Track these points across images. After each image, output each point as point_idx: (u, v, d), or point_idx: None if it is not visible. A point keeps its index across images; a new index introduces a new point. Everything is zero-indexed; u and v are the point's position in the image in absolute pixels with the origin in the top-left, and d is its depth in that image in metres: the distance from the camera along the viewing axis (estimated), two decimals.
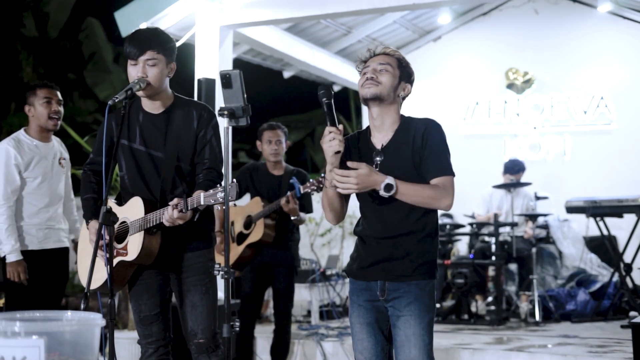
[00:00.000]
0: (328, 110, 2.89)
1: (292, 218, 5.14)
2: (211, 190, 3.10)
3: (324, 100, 2.89)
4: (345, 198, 3.03)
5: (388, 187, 2.82)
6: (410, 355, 2.89)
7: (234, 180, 3.12)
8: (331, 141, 2.84)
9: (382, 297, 2.96)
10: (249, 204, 5.34)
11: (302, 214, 5.24)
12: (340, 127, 2.87)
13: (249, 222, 5.27)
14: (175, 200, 3.17)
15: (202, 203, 3.11)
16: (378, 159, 2.97)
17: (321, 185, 4.91)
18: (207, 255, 3.44)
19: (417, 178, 2.92)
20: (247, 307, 5.33)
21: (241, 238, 5.29)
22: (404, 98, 3.04)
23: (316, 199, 10.09)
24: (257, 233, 5.20)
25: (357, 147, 3.05)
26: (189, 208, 3.14)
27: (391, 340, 3.02)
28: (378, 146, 3.00)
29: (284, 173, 5.36)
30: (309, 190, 5.01)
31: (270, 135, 5.34)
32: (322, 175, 4.97)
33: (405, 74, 3.02)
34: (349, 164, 2.87)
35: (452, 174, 2.95)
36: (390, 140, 2.98)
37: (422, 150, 2.92)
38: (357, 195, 3.01)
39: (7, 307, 4.49)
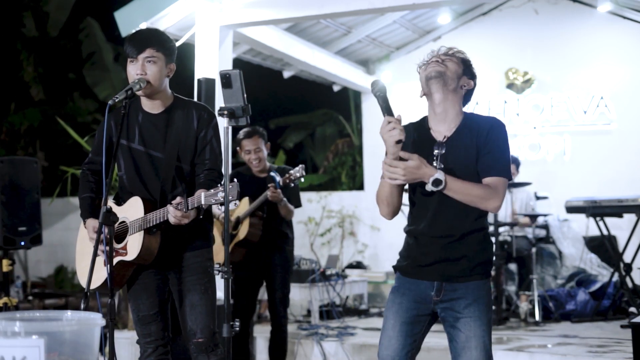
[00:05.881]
0: (383, 102, 2.84)
1: (280, 206, 5.04)
2: (212, 190, 3.11)
3: (378, 94, 2.85)
4: (399, 192, 2.96)
5: (436, 182, 2.77)
6: (471, 357, 2.88)
7: (235, 179, 3.12)
8: (391, 131, 2.77)
9: (437, 297, 2.94)
10: (238, 206, 5.26)
11: (289, 205, 5.13)
12: (399, 115, 2.81)
13: (236, 223, 5.22)
14: (178, 199, 3.17)
15: (202, 203, 3.12)
16: (437, 151, 2.94)
17: (292, 177, 4.85)
18: (205, 254, 3.45)
19: (476, 174, 2.90)
20: (241, 309, 5.28)
21: (230, 239, 5.25)
22: (465, 96, 3.04)
23: (318, 201, 10.11)
24: (242, 231, 5.15)
25: (413, 138, 2.99)
26: (190, 208, 3.14)
27: (419, 346, 3.01)
28: (440, 138, 2.97)
29: (268, 174, 5.26)
30: (288, 182, 4.88)
31: (248, 144, 5.19)
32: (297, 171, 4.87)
33: (468, 72, 3.09)
34: (402, 154, 2.79)
35: (507, 177, 2.91)
36: (453, 133, 2.95)
37: (483, 147, 2.90)
38: (413, 193, 2.99)
39: None
